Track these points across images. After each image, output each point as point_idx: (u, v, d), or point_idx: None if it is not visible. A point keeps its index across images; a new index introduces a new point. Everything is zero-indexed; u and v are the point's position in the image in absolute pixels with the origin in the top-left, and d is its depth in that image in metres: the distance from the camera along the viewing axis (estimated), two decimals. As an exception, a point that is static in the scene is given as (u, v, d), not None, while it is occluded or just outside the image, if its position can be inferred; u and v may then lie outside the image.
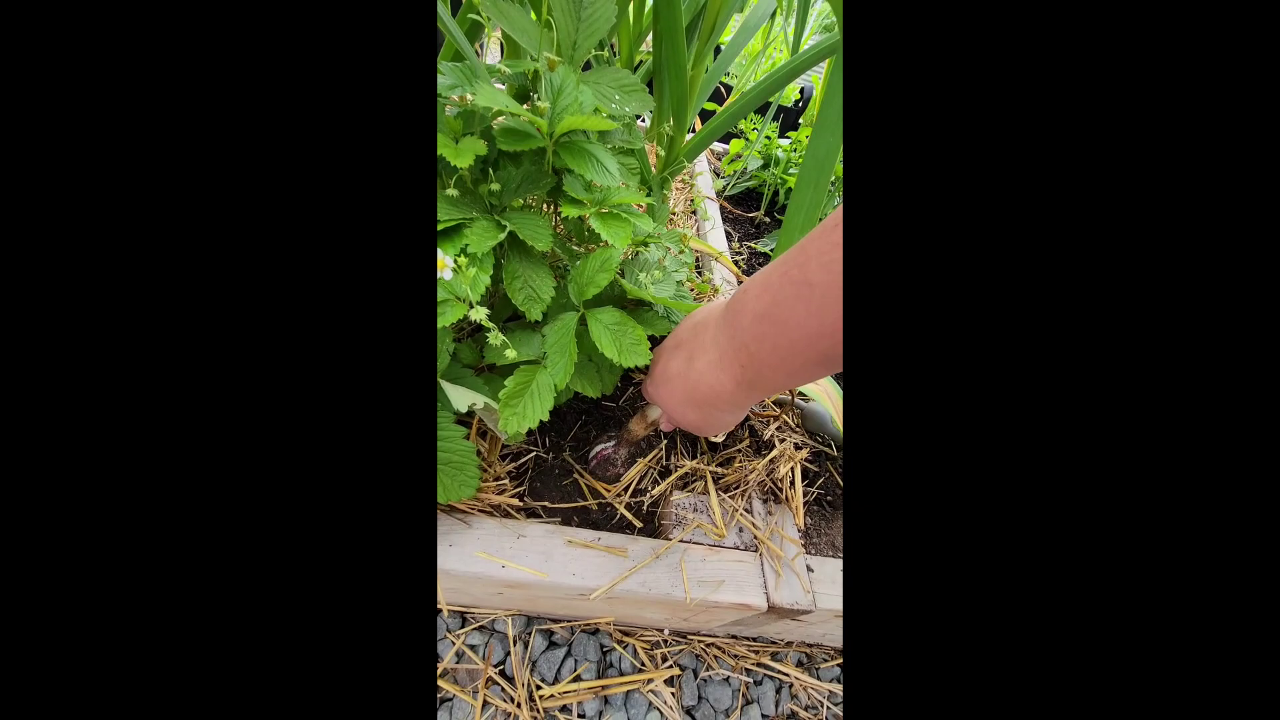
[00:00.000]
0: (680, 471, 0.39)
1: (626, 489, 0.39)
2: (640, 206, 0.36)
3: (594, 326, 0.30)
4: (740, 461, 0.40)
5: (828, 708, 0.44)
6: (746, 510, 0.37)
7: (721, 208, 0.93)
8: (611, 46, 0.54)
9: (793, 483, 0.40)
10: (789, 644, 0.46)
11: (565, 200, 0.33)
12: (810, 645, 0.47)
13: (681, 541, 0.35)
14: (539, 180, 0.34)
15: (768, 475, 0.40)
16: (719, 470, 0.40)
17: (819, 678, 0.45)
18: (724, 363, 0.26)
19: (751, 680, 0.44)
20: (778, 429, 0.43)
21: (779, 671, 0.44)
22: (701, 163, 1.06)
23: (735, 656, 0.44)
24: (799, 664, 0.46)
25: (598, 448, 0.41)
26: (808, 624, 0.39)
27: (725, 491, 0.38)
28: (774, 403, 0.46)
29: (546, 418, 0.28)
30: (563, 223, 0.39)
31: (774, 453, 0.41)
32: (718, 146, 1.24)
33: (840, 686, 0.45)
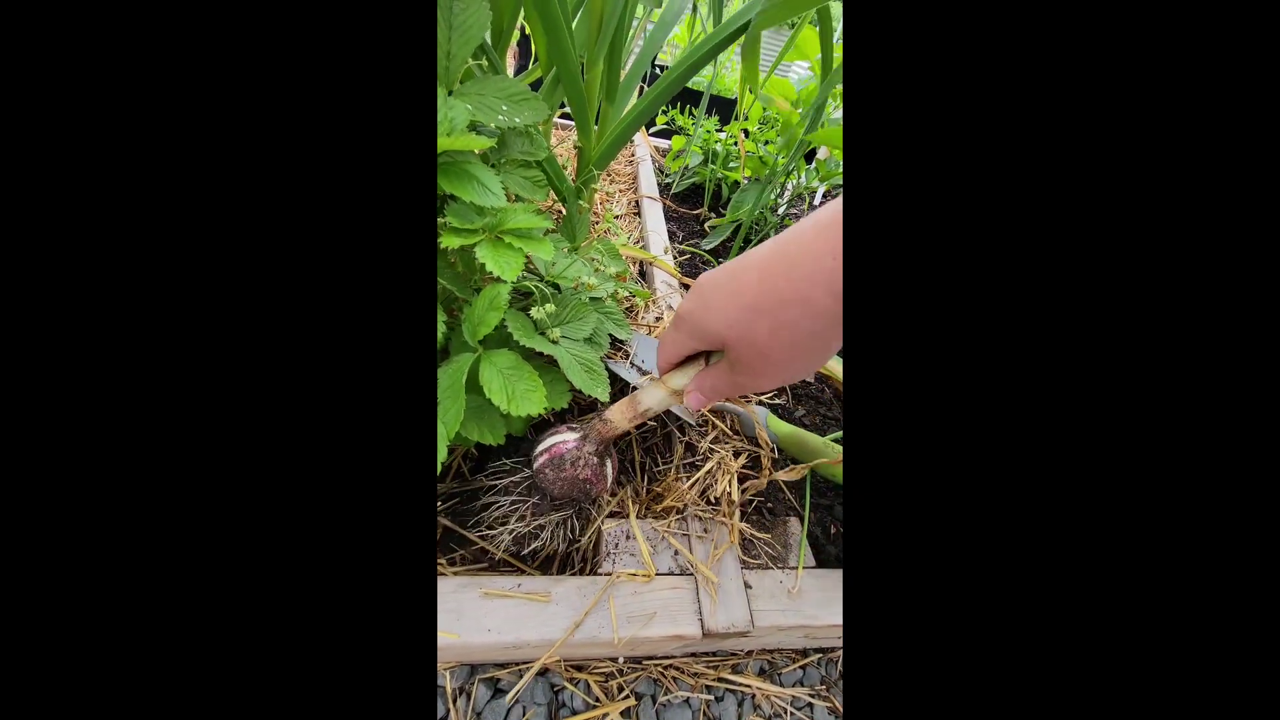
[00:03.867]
0: (617, 499, 0.37)
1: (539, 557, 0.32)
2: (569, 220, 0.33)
3: (485, 370, 0.28)
4: (676, 479, 0.39)
5: (791, 713, 0.44)
6: (682, 533, 0.36)
7: (666, 207, 0.91)
8: (529, 55, 0.51)
9: (730, 495, 0.38)
10: (749, 653, 0.45)
11: (447, 231, 0.30)
12: (771, 651, 0.46)
13: (612, 576, 0.33)
14: (419, 207, 0.31)
15: (704, 491, 0.38)
16: (653, 491, 0.38)
17: (781, 684, 0.45)
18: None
19: (713, 697, 0.42)
20: (713, 441, 0.42)
21: (740, 684, 0.43)
22: (646, 161, 1.04)
23: (694, 675, 0.43)
24: (761, 673, 0.45)
25: (550, 440, 0.32)
26: (759, 635, 0.38)
27: (660, 518, 0.37)
28: (710, 411, 0.45)
29: (437, 469, 0.26)
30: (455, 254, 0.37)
31: (709, 465, 0.39)
32: (663, 144, 1.22)
33: (803, 690, 0.45)
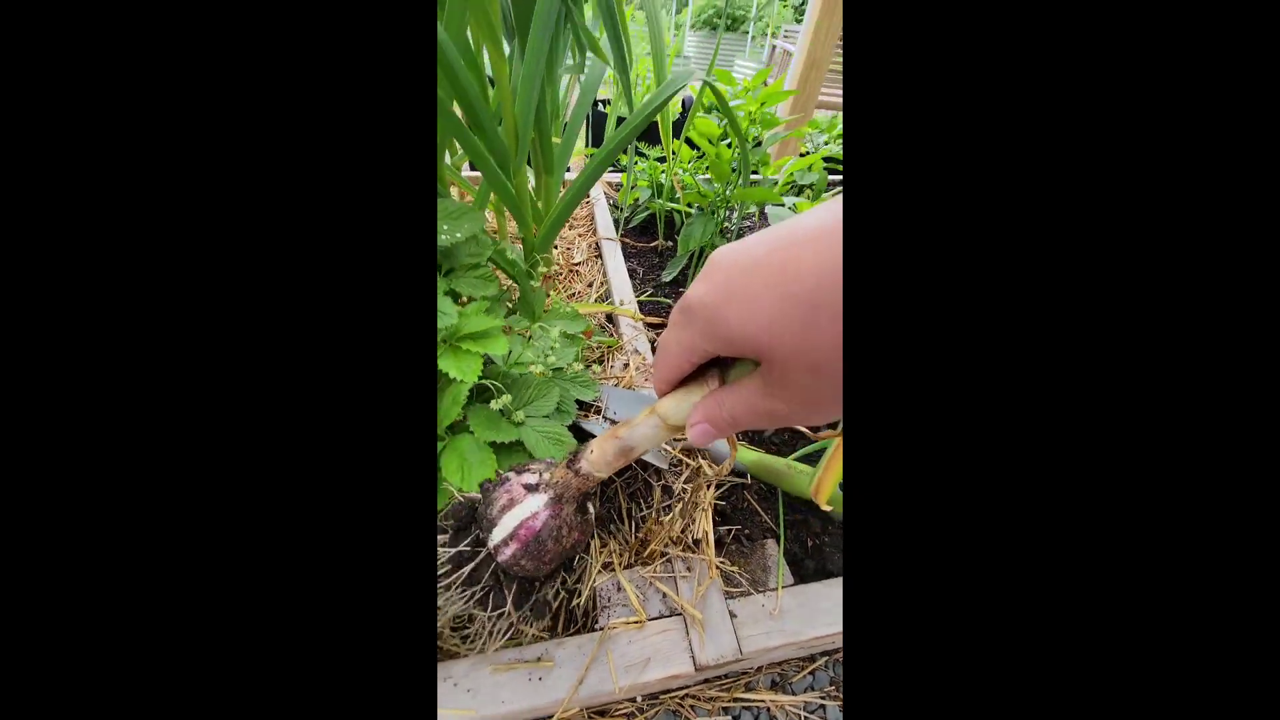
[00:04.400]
0: (607, 549, 0.41)
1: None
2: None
3: (449, 460, 0.32)
4: (657, 522, 0.42)
5: (805, 718, 0.46)
6: (668, 575, 0.39)
7: (623, 244, 0.96)
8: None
9: (707, 532, 0.42)
10: (759, 669, 0.48)
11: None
12: (780, 664, 0.49)
13: (604, 629, 0.36)
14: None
15: (682, 530, 0.42)
16: (639, 537, 0.42)
17: (793, 692, 0.48)
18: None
19: (730, 717, 0.45)
20: (685, 480, 0.45)
21: (754, 701, 0.46)
22: (600, 201, 1.09)
23: (710, 700, 0.46)
24: (773, 685, 0.48)
25: (513, 517, 0.25)
26: (750, 659, 0.41)
27: (646, 563, 0.40)
28: (682, 451, 0.48)
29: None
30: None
31: (682, 503, 0.43)
32: (616, 178, 1.28)
33: (814, 695, 0.48)
